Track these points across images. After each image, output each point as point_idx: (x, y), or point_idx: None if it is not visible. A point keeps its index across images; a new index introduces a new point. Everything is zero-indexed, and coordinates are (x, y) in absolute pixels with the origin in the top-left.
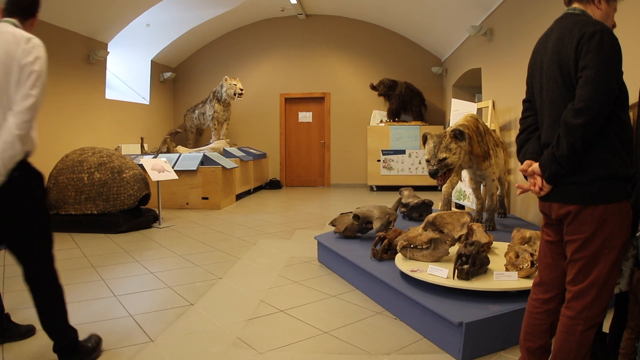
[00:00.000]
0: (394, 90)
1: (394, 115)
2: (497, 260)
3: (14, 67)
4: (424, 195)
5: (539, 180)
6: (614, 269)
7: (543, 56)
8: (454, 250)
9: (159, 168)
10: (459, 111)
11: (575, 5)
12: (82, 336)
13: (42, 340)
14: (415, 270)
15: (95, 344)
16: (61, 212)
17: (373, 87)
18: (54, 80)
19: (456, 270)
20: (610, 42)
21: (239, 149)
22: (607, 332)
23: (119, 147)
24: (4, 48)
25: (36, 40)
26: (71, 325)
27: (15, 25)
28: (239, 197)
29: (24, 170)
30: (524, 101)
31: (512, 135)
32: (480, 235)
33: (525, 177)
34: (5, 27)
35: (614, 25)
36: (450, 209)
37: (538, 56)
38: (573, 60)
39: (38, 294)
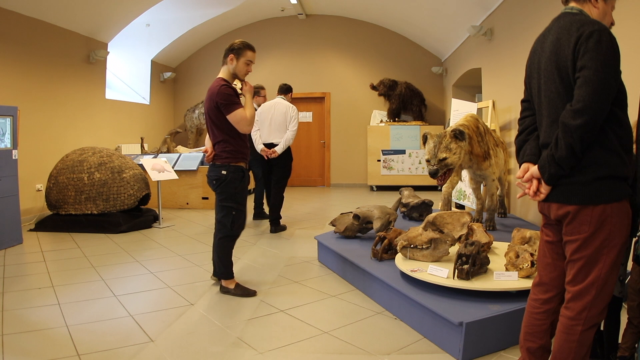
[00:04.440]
0: (394, 90)
1: (394, 115)
2: (497, 260)
3: (287, 116)
4: (424, 195)
5: (534, 184)
6: (613, 268)
7: (540, 56)
8: (454, 250)
9: (159, 168)
10: (459, 111)
11: (573, 4)
12: None
13: (42, 341)
14: (415, 270)
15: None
16: (61, 212)
17: (373, 87)
18: (54, 81)
19: (456, 270)
20: (608, 42)
21: None
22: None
23: (119, 147)
24: (284, 110)
25: (293, 106)
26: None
27: (284, 99)
28: None
29: (289, 149)
30: (522, 101)
31: (512, 135)
32: (480, 235)
33: None
34: (281, 100)
35: (612, 23)
36: (450, 209)
37: (535, 56)
38: (571, 60)
39: (276, 193)
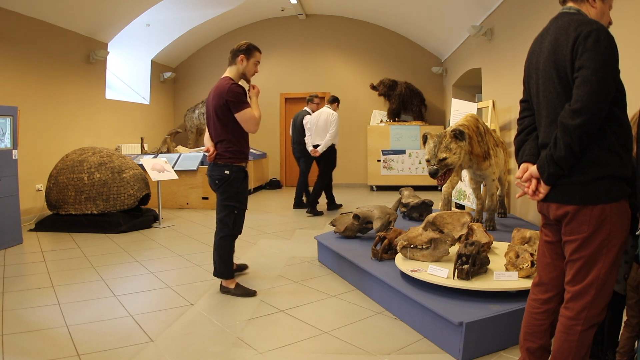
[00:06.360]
0: (394, 90)
1: (394, 115)
2: (497, 260)
3: (328, 122)
4: (424, 195)
5: (533, 183)
6: (613, 268)
7: (539, 56)
8: (454, 250)
9: (159, 168)
10: (459, 111)
11: (570, 4)
12: None
13: (42, 341)
14: (415, 270)
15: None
16: (61, 212)
17: (373, 87)
18: (54, 81)
19: (456, 270)
20: (607, 41)
21: None
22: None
23: (119, 147)
24: (326, 117)
25: (334, 113)
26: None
27: (329, 107)
28: None
29: (333, 146)
30: (521, 101)
31: (512, 135)
32: (480, 235)
33: None
34: (326, 109)
35: (610, 23)
36: (450, 209)
37: (534, 56)
38: (569, 60)
39: (317, 183)
